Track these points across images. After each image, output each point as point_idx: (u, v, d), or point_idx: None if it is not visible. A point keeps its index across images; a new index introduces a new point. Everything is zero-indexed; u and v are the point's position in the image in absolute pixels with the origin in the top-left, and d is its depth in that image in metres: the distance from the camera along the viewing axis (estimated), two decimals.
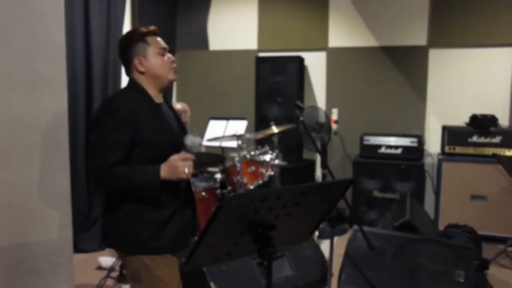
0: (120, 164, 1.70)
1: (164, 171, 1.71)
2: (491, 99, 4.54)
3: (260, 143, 3.96)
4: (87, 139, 4.01)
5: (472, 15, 4.55)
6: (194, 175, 3.28)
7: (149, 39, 1.84)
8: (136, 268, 1.79)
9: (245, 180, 3.41)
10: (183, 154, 1.73)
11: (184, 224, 1.87)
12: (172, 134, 1.85)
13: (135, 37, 1.83)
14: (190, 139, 1.76)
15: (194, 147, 1.77)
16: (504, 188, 4.07)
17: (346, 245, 2.74)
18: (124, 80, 1.93)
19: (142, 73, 1.83)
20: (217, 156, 3.76)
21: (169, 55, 1.89)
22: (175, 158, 1.72)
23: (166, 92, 4.69)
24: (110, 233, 1.84)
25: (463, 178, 4.19)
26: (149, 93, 1.84)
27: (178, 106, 3.73)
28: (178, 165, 1.70)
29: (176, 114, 1.98)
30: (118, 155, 1.69)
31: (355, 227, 2.71)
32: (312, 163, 5.12)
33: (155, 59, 1.83)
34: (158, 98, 1.88)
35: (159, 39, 1.87)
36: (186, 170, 1.71)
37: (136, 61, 1.82)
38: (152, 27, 1.87)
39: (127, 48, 1.83)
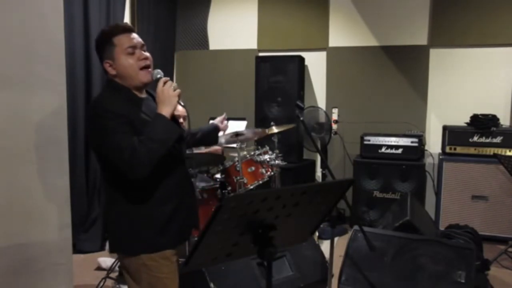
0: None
1: (162, 109, 1.68)
2: (492, 99, 4.53)
3: (260, 143, 3.95)
4: (86, 139, 4.00)
5: (473, 14, 4.54)
6: (194, 175, 3.27)
7: (115, 39, 1.71)
8: (137, 269, 1.78)
9: (245, 180, 3.41)
10: (159, 83, 1.72)
11: (186, 217, 1.86)
12: None
13: (102, 40, 1.73)
14: (158, 72, 1.78)
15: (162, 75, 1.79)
16: (505, 188, 4.06)
17: (347, 245, 2.73)
18: None
19: (114, 75, 1.75)
20: (217, 156, 3.75)
21: (140, 52, 1.75)
22: (157, 91, 1.70)
23: None
24: (112, 235, 1.83)
25: (464, 178, 4.19)
26: (131, 89, 1.77)
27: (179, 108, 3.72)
28: (164, 90, 1.69)
29: None
30: (132, 138, 1.61)
31: (356, 227, 2.71)
32: (312, 163, 5.11)
33: (124, 60, 1.71)
34: (140, 94, 1.80)
35: (128, 36, 1.73)
36: (173, 87, 1.70)
37: (106, 65, 1.74)
38: (120, 24, 1.76)
39: (98, 52, 1.76)
